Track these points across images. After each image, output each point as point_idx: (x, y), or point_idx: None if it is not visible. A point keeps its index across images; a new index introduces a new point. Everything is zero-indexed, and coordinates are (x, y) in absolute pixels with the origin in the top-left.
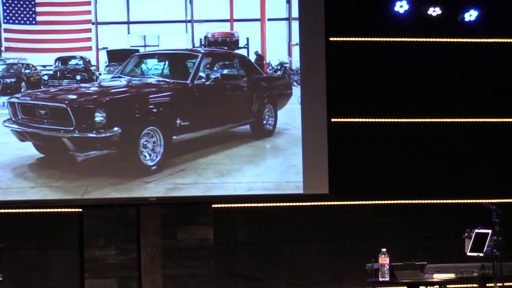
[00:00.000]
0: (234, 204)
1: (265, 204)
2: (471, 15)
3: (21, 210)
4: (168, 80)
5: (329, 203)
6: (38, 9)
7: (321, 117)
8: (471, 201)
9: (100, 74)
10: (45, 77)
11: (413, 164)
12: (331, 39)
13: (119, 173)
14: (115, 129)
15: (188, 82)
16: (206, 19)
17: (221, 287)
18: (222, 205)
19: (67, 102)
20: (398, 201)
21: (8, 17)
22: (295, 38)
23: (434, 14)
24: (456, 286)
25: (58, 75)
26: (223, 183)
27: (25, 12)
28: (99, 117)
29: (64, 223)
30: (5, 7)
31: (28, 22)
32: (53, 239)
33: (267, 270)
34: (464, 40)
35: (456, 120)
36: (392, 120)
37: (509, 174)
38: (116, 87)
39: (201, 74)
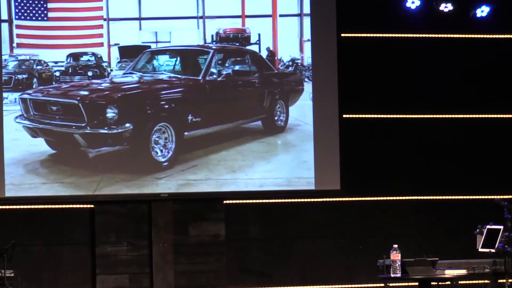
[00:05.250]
0: (246, 200)
1: (276, 200)
2: (482, 11)
3: (33, 206)
4: (179, 76)
5: (340, 199)
6: (49, 5)
7: (332, 113)
8: (483, 197)
9: (111, 70)
10: (57, 73)
11: (424, 160)
12: (343, 35)
13: (130, 169)
14: (127, 125)
15: (200, 78)
16: (218, 15)
17: (233, 283)
18: (234, 201)
19: (78, 98)
20: (410, 197)
21: (20, 14)
22: (307, 34)
23: (446, 10)
24: (467, 282)
25: (70, 71)
26: (234, 179)
27: (36, 9)
28: (110, 113)
29: (75, 219)
30: (16, 3)
31: (39, 18)
32: (64, 235)
33: (279, 266)
34: (476, 36)
35: (468, 116)
36: (404, 116)
37: None
38: (127, 83)
39: (213, 70)
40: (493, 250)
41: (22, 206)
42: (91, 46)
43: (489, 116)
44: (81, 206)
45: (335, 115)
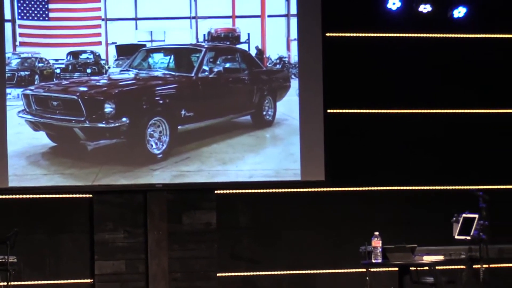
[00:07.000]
0: (236, 190)
1: (265, 190)
2: (459, 12)
3: (34, 196)
4: (173, 73)
5: (325, 189)
6: (50, 6)
7: (317, 108)
8: (460, 187)
9: (109, 67)
10: (57, 70)
11: (404, 153)
12: (328, 34)
13: (127, 161)
14: (124, 119)
15: (193, 75)
16: (210, 16)
17: (224, 268)
18: (225, 191)
19: (78, 94)
20: (391, 188)
21: (22, 14)
22: (294, 34)
23: (425, 11)
24: (444, 267)
25: (70, 68)
26: (225, 171)
27: (38, 9)
28: (108, 108)
29: (75, 208)
30: (19, 4)
31: (41, 18)
32: (64, 223)
33: (267, 253)
34: (453, 35)
35: (445, 111)
36: (385, 111)
37: (495, 163)
38: (124, 79)
39: (205, 67)
40: (468, 238)
41: (24, 196)
42: (90, 45)
43: (467, 111)
44: (80, 196)
45: (320, 110)
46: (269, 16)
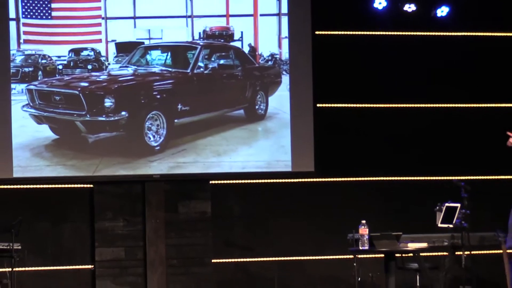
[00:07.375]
0: (230, 181)
1: (257, 181)
2: (442, 11)
3: (38, 186)
4: (170, 69)
5: (314, 179)
6: (53, 5)
7: (307, 103)
8: (443, 178)
9: (109, 64)
10: (60, 67)
11: (390, 145)
12: (317, 32)
13: (126, 153)
14: (123, 113)
15: (188, 71)
16: (205, 15)
17: (218, 255)
18: (219, 182)
19: (79, 89)
20: (377, 178)
21: (26, 13)
22: (285, 32)
23: (410, 10)
24: (428, 254)
25: (72, 64)
26: (220, 162)
27: (41, 8)
28: (108, 102)
29: (76, 198)
30: (23, 3)
31: (44, 17)
32: (66, 212)
33: (259, 240)
34: (436, 33)
35: (429, 105)
36: (372, 105)
37: (477, 155)
38: (123, 75)
39: (200, 64)
40: (451, 226)
41: (28, 186)
42: (90, 42)
43: (450, 105)
44: (82, 186)
45: (310, 104)
46: (261, 15)
